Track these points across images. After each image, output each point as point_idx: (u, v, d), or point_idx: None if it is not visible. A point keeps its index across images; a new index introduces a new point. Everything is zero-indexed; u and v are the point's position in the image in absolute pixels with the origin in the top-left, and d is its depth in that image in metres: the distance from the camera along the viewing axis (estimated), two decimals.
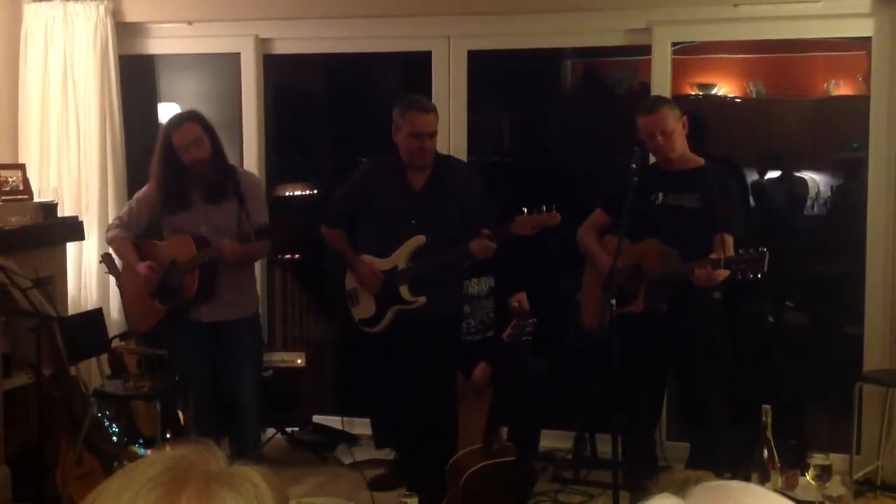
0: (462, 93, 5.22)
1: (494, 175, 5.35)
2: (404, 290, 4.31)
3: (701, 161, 4.19)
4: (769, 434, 2.97)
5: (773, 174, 6.05)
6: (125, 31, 5.42)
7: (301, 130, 6.15)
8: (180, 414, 4.72)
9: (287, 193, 6.15)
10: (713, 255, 3.82)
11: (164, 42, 5.52)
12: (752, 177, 5.83)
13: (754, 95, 6.34)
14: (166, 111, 5.82)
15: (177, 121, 4.35)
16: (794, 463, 3.20)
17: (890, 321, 4.70)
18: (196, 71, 5.98)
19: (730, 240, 3.95)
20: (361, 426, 5.26)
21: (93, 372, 4.99)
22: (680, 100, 5.15)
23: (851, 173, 5.60)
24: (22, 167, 5.17)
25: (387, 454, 4.98)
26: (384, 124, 4.38)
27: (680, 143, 4.13)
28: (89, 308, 5.15)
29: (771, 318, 5.78)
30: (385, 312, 4.36)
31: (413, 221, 4.30)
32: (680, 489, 0.97)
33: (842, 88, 6.14)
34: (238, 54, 5.43)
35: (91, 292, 5.37)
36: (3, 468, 4.43)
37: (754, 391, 4.60)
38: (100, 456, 4.22)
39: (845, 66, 6.07)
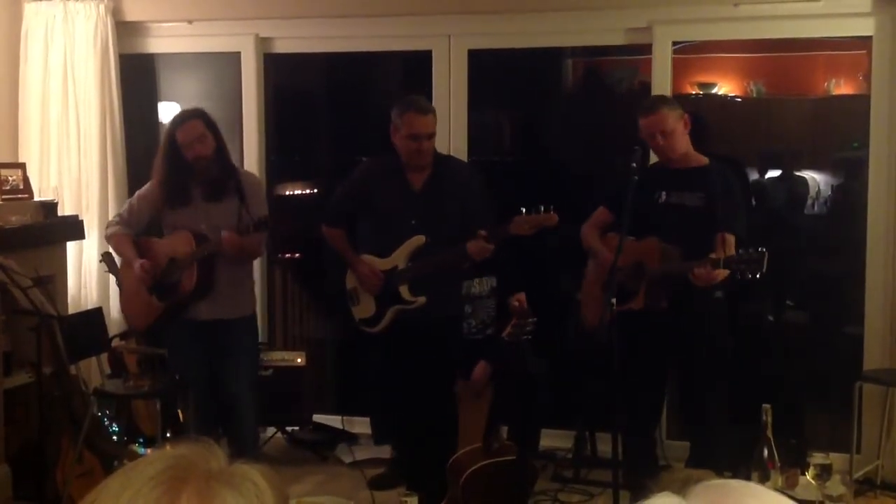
0: (462, 92, 5.22)
1: (494, 175, 5.35)
2: (404, 290, 4.31)
3: (705, 160, 4.19)
4: (769, 433, 2.97)
5: (774, 173, 6.04)
6: (125, 30, 5.42)
7: (301, 129, 6.15)
8: (180, 413, 4.72)
9: (287, 192, 6.15)
10: (713, 255, 3.82)
11: (164, 41, 5.53)
12: (753, 176, 5.82)
13: (755, 95, 6.33)
14: (167, 110, 5.82)
15: (181, 118, 4.38)
16: (795, 462, 3.20)
17: (890, 321, 4.70)
18: (196, 70, 5.98)
19: (731, 239, 3.95)
20: (361, 425, 5.26)
21: (93, 371, 4.99)
22: (680, 99, 5.15)
23: (852, 173, 5.60)
24: (22, 166, 5.17)
25: (387, 453, 4.98)
26: (384, 124, 4.38)
27: (681, 143, 4.12)
28: (89, 307, 5.16)
29: (771, 318, 5.78)
30: (385, 312, 4.37)
31: (413, 221, 4.30)
32: (681, 488, 0.97)
33: (842, 88, 6.14)
34: (238, 53, 5.43)
35: (91, 291, 5.37)
36: (4, 467, 4.43)
37: (754, 390, 4.60)
38: (100, 455, 4.22)
39: (846, 65, 6.07)
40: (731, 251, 3.87)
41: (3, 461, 4.44)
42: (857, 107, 5.15)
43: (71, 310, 5.06)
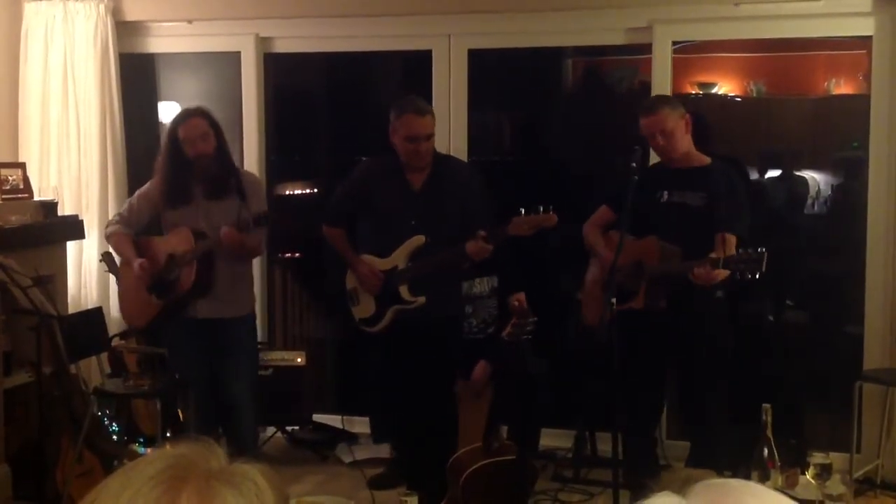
0: (462, 92, 5.21)
1: (494, 175, 5.35)
2: (404, 290, 4.31)
3: (707, 160, 4.19)
4: (769, 433, 2.97)
5: (774, 173, 6.04)
6: (125, 29, 5.42)
7: (301, 129, 6.15)
8: (180, 413, 4.72)
9: (287, 192, 6.15)
10: (712, 255, 3.81)
11: (164, 41, 5.53)
12: (753, 176, 5.82)
13: (755, 94, 6.33)
14: (167, 110, 5.82)
15: (184, 115, 4.40)
16: (795, 462, 3.20)
17: (890, 320, 4.70)
18: (196, 70, 5.97)
19: (732, 239, 3.94)
20: (361, 425, 5.26)
21: (93, 370, 4.99)
22: (680, 99, 5.15)
23: (852, 172, 5.60)
24: (22, 166, 5.17)
25: (387, 452, 4.98)
26: (384, 124, 4.37)
27: (683, 143, 4.12)
28: (89, 307, 5.16)
29: (771, 317, 5.78)
30: (385, 312, 4.37)
31: (413, 221, 4.30)
32: (681, 488, 0.97)
33: (842, 87, 6.14)
34: (238, 53, 5.43)
35: (91, 291, 5.37)
36: (4, 467, 4.42)
37: (754, 390, 4.60)
38: (100, 454, 4.22)
39: (846, 65, 6.07)
40: (732, 251, 3.86)
41: (3, 461, 4.43)
42: (857, 107, 5.15)
43: (71, 309, 5.06)
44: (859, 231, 4.81)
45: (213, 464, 1.01)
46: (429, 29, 5.21)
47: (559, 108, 6.46)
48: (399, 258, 4.32)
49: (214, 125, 4.36)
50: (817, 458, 3.06)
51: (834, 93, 6.15)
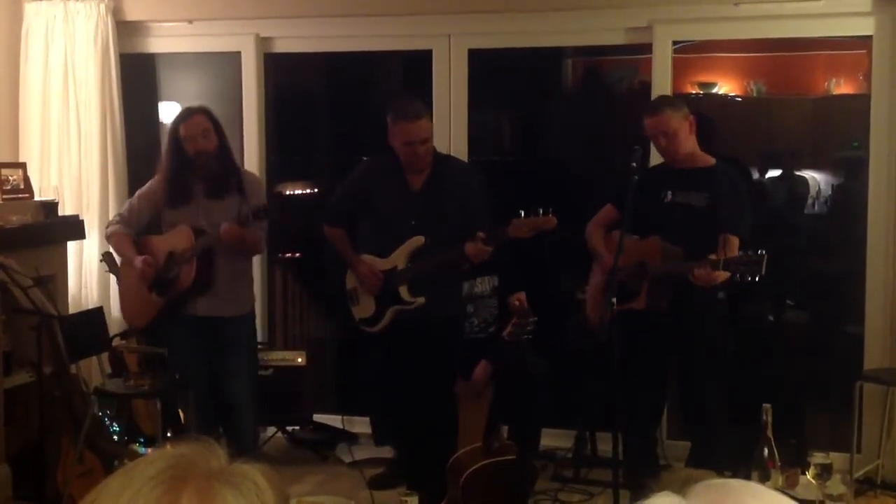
0: (462, 92, 5.21)
1: (494, 175, 5.35)
2: (403, 291, 4.31)
3: (711, 161, 4.18)
4: (769, 433, 2.96)
5: (774, 173, 6.04)
6: (126, 29, 5.42)
7: (302, 129, 6.15)
8: (181, 413, 4.72)
9: (288, 192, 6.15)
10: (712, 256, 3.81)
11: (164, 41, 5.53)
12: (753, 176, 5.82)
13: (755, 94, 6.33)
14: (167, 110, 5.82)
15: (186, 113, 4.42)
16: (795, 462, 3.20)
17: (890, 320, 4.70)
18: (197, 70, 5.98)
19: (734, 241, 3.93)
20: (362, 425, 5.26)
21: (93, 370, 5.00)
22: (680, 99, 5.15)
23: (852, 172, 5.60)
24: (23, 166, 5.17)
25: (387, 452, 4.98)
26: (384, 123, 4.37)
27: (686, 144, 4.10)
28: (90, 307, 5.16)
29: (771, 317, 5.78)
30: (384, 312, 4.37)
31: (412, 222, 4.30)
32: (681, 488, 0.97)
33: (842, 87, 6.14)
34: (239, 53, 5.43)
35: (92, 291, 5.37)
36: (4, 467, 4.43)
37: (755, 390, 4.60)
38: (100, 454, 4.22)
39: (846, 64, 6.07)
40: (734, 252, 3.85)
41: (3, 461, 4.44)
42: (858, 106, 5.15)
43: (71, 309, 5.06)
44: (859, 231, 4.81)
45: (214, 464, 1.01)
46: (429, 29, 5.21)
47: (559, 108, 6.47)
48: (399, 258, 4.32)
49: (216, 124, 4.38)
50: (818, 458, 3.06)
51: (834, 93, 6.15)
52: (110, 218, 4.86)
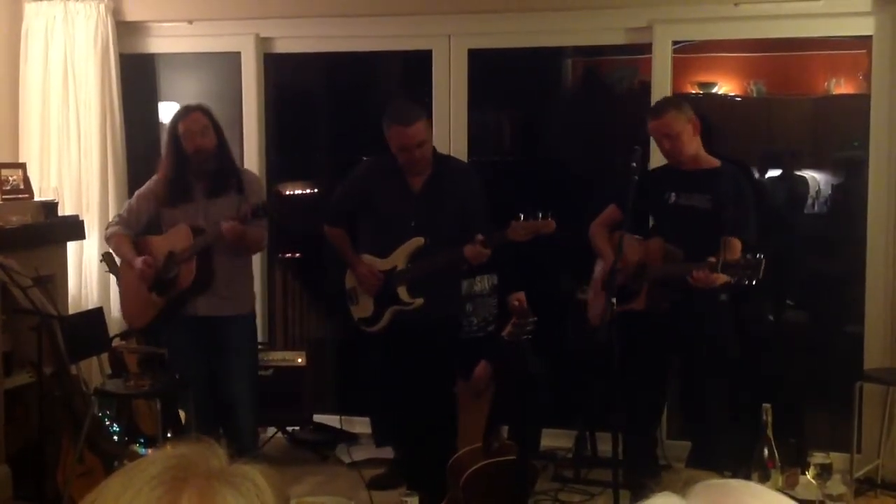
0: (462, 92, 5.21)
1: (494, 175, 5.35)
2: (402, 292, 4.31)
3: (716, 162, 4.17)
4: (769, 433, 2.97)
5: (774, 173, 6.04)
6: (126, 29, 5.42)
7: (302, 129, 6.15)
8: (181, 413, 4.72)
9: (288, 192, 6.15)
10: (711, 259, 3.80)
11: (164, 41, 5.53)
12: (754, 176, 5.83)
13: (755, 94, 6.33)
14: (167, 110, 5.82)
15: (184, 111, 4.43)
16: (795, 462, 3.21)
17: (890, 320, 4.70)
18: (197, 70, 5.98)
19: (736, 243, 3.92)
20: (362, 425, 5.26)
21: (93, 371, 5.00)
22: (684, 100, 5.15)
23: (852, 172, 5.60)
24: (22, 166, 5.17)
25: (387, 453, 4.98)
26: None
27: (690, 146, 4.10)
28: (90, 307, 5.16)
29: (771, 317, 5.78)
30: (383, 313, 4.37)
31: (412, 223, 4.30)
32: (683, 489, 0.97)
33: (842, 87, 6.14)
34: (239, 53, 5.43)
35: (92, 291, 5.37)
36: (4, 467, 4.43)
37: (755, 390, 4.60)
38: (101, 455, 4.22)
39: (846, 64, 6.07)
40: (735, 255, 3.84)
41: (3, 461, 4.44)
42: (858, 106, 5.15)
43: (71, 310, 5.06)
44: (859, 231, 4.81)
45: (214, 464, 1.01)
46: (429, 29, 5.21)
47: (559, 108, 6.47)
48: (398, 259, 4.32)
49: (214, 122, 4.38)
50: (818, 458, 3.06)
51: (834, 93, 6.15)
52: (110, 218, 4.86)
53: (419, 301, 4.29)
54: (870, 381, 4.59)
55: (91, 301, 5.32)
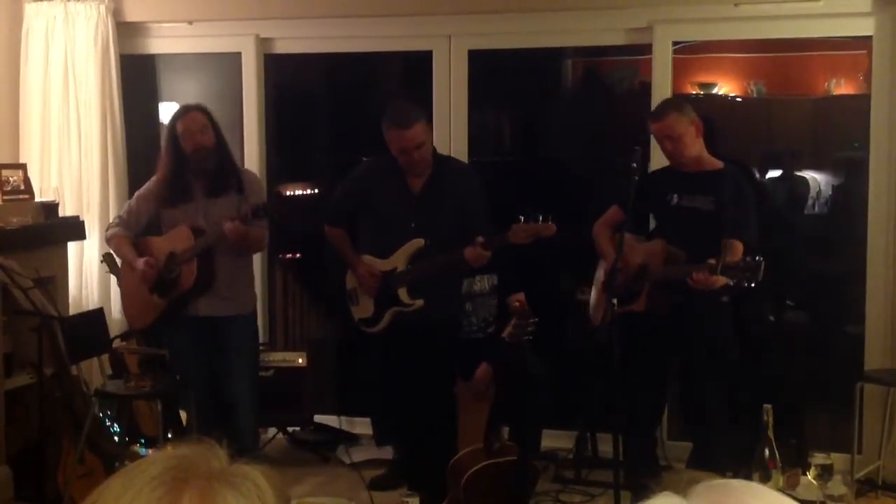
0: (463, 92, 5.21)
1: (494, 175, 5.35)
2: (403, 293, 4.31)
3: (719, 164, 4.17)
4: (770, 433, 2.97)
5: (774, 173, 6.04)
6: (126, 30, 5.42)
7: (302, 130, 6.15)
8: (182, 413, 4.72)
9: (288, 192, 6.15)
10: (711, 261, 3.80)
11: (164, 41, 5.53)
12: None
13: (755, 94, 6.33)
14: (167, 111, 5.82)
15: (183, 110, 4.44)
16: (796, 462, 3.21)
17: (891, 320, 4.70)
18: (197, 70, 5.98)
19: (738, 245, 3.91)
20: (362, 426, 5.26)
21: (94, 371, 5.00)
22: (685, 101, 5.14)
23: (852, 172, 5.60)
24: (23, 167, 5.17)
25: (388, 453, 4.98)
26: None
27: (692, 148, 4.09)
28: (90, 308, 5.16)
29: (772, 318, 5.77)
30: (383, 314, 4.37)
31: (412, 224, 4.30)
32: (685, 489, 0.97)
33: (842, 87, 6.14)
34: (239, 54, 5.43)
35: (92, 292, 5.37)
36: (5, 468, 4.43)
37: (755, 390, 4.60)
38: (101, 455, 4.22)
39: (846, 65, 6.07)
40: (736, 257, 3.83)
41: (3, 462, 4.44)
42: (858, 106, 5.15)
43: (72, 310, 5.06)
44: (860, 231, 4.81)
45: (215, 465, 1.01)
46: (429, 29, 5.21)
47: (559, 109, 6.47)
48: (399, 260, 4.32)
49: (213, 121, 4.39)
50: (818, 458, 3.07)
51: (834, 93, 6.15)
52: (111, 219, 4.86)
53: (419, 302, 4.29)
54: (870, 381, 4.59)
55: (91, 302, 5.31)
